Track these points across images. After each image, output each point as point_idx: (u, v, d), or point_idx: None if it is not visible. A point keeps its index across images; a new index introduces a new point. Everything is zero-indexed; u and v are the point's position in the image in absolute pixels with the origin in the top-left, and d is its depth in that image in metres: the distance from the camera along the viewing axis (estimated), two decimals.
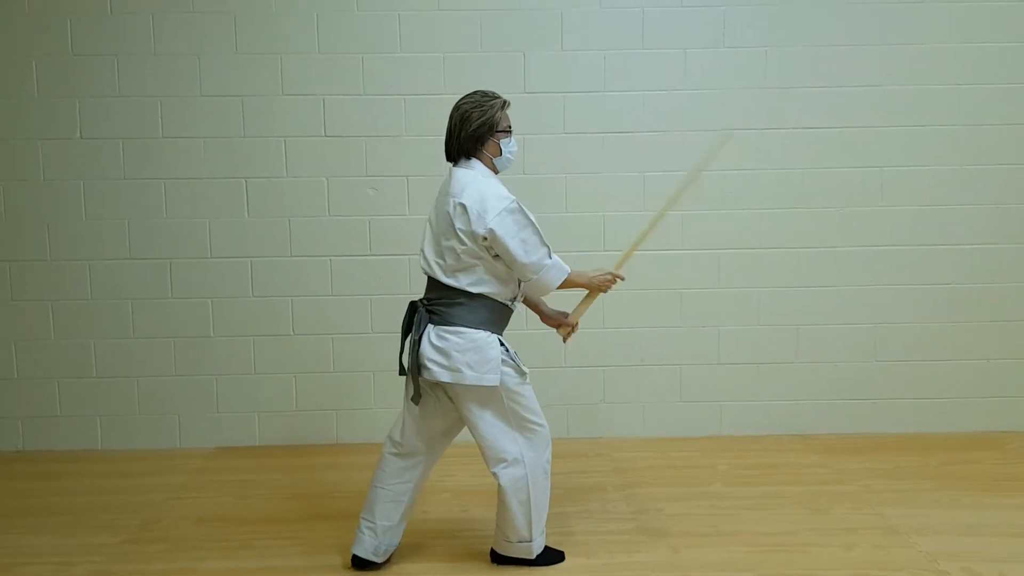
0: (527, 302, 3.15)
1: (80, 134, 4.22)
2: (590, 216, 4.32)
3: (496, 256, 2.81)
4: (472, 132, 2.83)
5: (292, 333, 4.35)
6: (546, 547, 3.05)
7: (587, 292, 3.13)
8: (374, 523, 2.98)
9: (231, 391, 4.38)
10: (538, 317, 3.23)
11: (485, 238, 2.74)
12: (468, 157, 2.87)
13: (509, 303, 2.93)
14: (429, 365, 2.80)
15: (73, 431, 4.37)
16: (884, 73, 4.27)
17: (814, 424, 4.44)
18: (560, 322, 3.20)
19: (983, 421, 4.44)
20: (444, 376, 2.79)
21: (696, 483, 3.80)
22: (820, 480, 3.81)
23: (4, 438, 4.37)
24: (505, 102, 2.90)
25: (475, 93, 2.89)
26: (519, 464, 2.88)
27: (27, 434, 4.37)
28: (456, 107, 2.87)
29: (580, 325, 3.26)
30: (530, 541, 2.95)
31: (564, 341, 3.26)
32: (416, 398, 2.89)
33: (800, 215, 4.34)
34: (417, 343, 2.83)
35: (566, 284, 2.91)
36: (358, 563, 3.00)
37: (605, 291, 3.09)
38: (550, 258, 2.84)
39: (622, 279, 3.12)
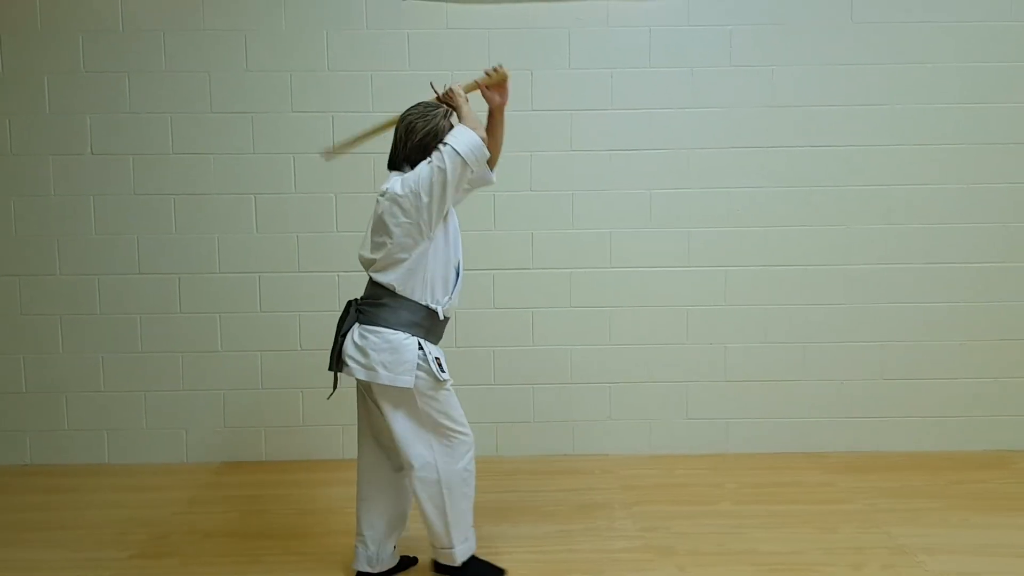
0: (491, 130, 3.06)
1: (91, 150, 4.25)
2: (597, 232, 4.33)
3: (430, 234, 2.83)
4: (418, 142, 2.89)
5: (299, 348, 4.36)
6: (481, 560, 3.07)
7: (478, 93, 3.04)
8: (363, 534, 3.04)
9: (238, 406, 4.39)
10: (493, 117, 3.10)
11: (419, 197, 2.77)
12: (413, 166, 2.90)
13: (433, 306, 2.91)
14: (348, 362, 2.88)
15: (81, 445, 4.38)
16: (890, 92, 4.28)
17: (821, 442, 4.44)
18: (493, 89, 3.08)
19: (991, 440, 4.43)
20: (360, 374, 2.85)
21: (703, 501, 3.80)
22: (828, 499, 3.80)
23: (12, 452, 4.38)
24: (447, 111, 2.94)
25: (419, 104, 2.96)
26: (431, 468, 2.89)
27: (34, 448, 4.38)
28: (401, 118, 2.94)
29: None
30: (451, 548, 2.97)
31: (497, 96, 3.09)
32: (330, 395, 3.04)
33: (807, 233, 4.35)
34: (341, 340, 2.91)
35: (480, 128, 2.89)
36: None
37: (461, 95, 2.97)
38: (445, 145, 2.81)
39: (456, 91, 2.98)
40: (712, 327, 4.40)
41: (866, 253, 4.36)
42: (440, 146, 2.82)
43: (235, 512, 3.74)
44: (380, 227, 2.86)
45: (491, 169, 3.13)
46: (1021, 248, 4.36)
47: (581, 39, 4.26)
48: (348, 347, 2.88)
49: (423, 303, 2.89)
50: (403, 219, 2.81)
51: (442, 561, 3.04)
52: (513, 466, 4.26)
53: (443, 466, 2.90)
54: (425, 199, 2.79)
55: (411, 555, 3.19)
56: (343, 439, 4.40)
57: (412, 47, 4.25)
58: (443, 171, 2.79)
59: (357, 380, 2.94)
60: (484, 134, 2.91)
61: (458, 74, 4.19)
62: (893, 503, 3.74)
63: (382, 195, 2.87)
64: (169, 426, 4.39)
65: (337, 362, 2.92)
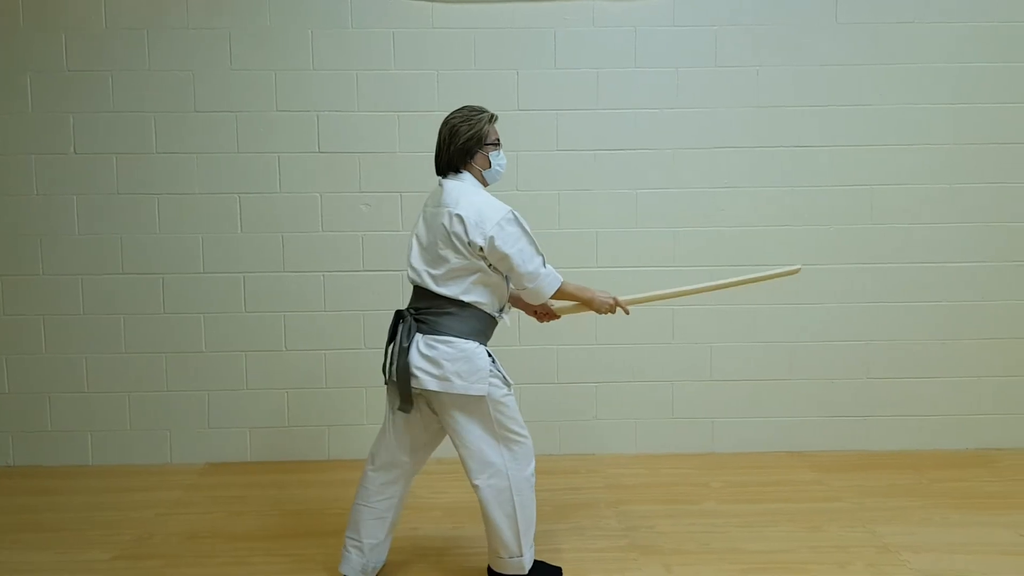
0: (513, 296, 3.11)
1: (74, 149, 4.22)
2: (582, 232, 4.33)
3: (491, 266, 2.83)
4: (461, 146, 2.86)
5: (284, 349, 4.34)
6: (538, 562, 3.03)
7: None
8: (360, 541, 2.98)
9: (223, 407, 4.37)
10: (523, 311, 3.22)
11: (482, 248, 2.76)
12: (458, 171, 2.90)
13: (496, 314, 2.93)
14: (418, 373, 2.80)
15: (64, 446, 4.35)
16: (874, 92, 4.30)
17: (807, 441, 4.45)
18: (543, 312, 3.18)
19: (974, 439, 4.45)
20: (432, 384, 2.79)
21: (689, 500, 3.80)
22: (813, 497, 3.81)
23: None
24: (492, 116, 2.93)
25: (463, 108, 2.92)
26: (502, 476, 2.87)
27: (18, 449, 4.35)
28: (445, 122, 2.90)
29: (562, 320, 3.25)
30: (520, 556, 2.93)
31: (539, 321, 3.25)
32: (406, 407, 2.86)
33: (792, 232, 4.36)
34: (405, 352, 2.83)
35: (561, 294, 2.94)
36: None
37: (601, 313, 3.07)
38: (545, 267, 2.87)
39: (625, 313, 3.12)
40: (698, 327, 4.40)
41: (851, 253, 4.38)
42: (545, 266, 2.86)
43: (219, 513, 3.72)
44: (444, 240, 2.79)
45: (505, 306, 3.04)
46: (1005, 247, 4.38)
47: (566, 39, 4.26)
48: (415, 358, 2.81)
49: (487, 311, 2.88)
50: (461, 247, 2.78)
51: (508, 571, 2.95)
52: None
53: (513, 472, 2.88)
54: (490, 261, 2.80)
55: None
56: (328, 440, 4.38)
57: (397, 46, 4.24)
58: (527, 274, 2.81)
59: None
60: (556, 292, 2.92)
61: (444, 73, 4.23)
62: (878, 502, 3.75)
63: (445, 209, 2.80)
64: (153, 427, 4.37)
65: (402, 374, 2.82)
